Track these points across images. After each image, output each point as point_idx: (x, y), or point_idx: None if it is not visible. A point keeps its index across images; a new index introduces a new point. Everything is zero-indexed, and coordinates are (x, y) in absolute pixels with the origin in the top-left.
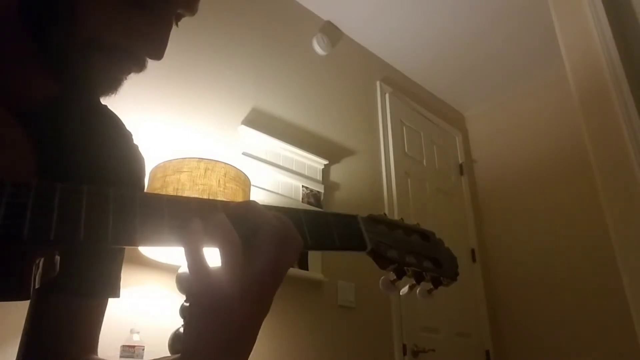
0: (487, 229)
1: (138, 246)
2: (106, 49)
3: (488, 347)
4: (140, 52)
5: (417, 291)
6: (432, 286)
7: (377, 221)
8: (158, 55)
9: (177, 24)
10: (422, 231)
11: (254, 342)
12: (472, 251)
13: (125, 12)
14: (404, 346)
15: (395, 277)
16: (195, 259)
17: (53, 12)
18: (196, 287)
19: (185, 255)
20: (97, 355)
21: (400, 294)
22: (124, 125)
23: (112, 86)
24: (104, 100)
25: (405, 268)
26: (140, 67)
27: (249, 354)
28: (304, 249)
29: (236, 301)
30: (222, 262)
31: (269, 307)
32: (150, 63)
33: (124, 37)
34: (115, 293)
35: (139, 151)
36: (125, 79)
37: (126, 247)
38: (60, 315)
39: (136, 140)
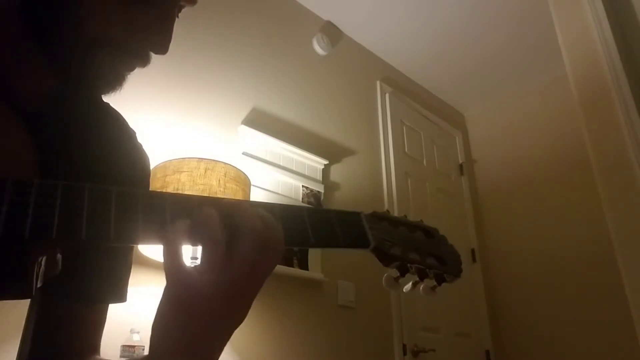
0: (487, 229)
1: (140, 244)
2: (111, 46)
3: (488, 347)
4: (145, 47)
5: (421, 288)
6: (435, 283)
7: (380, 218)
8: (163, 49)
9: (178, 16)
10: (426, 228)
11: (220, 351)
12: (472, 251)
13: (129, 9)
14: (404, 346)
15: (398, 274)
16: (174, 259)
17: (57, 12)
18: (171, 285)
19: (164, 253)
20: (99, 355)
21: (404, 291)
22: (127, 124)
23: (116, 83)
24: (107, 97)
25: (408, 265)
26: (144, 62)
27: None
28: (307, 246)
29: (211, 302)
30: (202, 261)
31: (243, 317)
32: (151, 63)
33: (128, 34)
34: (122, 298)
35: (144, 149)
36: (129, 74)
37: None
38: (65, 320)
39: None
